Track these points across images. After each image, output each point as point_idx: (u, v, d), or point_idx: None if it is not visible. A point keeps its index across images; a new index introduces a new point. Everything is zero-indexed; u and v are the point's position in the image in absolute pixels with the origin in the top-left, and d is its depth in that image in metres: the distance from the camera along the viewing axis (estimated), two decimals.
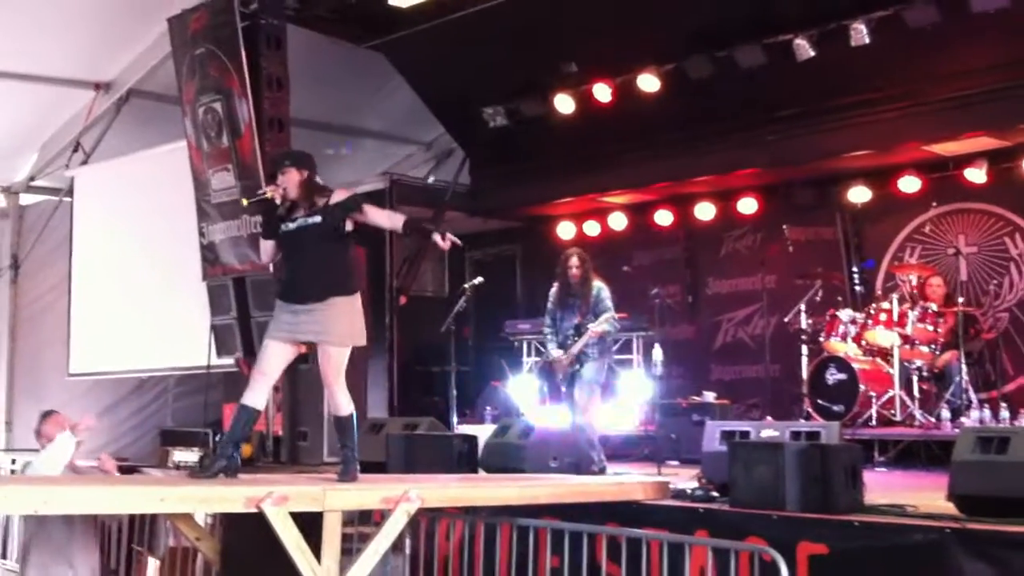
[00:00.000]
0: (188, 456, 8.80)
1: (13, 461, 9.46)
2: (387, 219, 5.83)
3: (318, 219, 5.56)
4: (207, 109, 9.62)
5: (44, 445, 6.41)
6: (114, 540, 7.80)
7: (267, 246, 5.78)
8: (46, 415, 6.68)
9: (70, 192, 12.24)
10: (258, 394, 5.56)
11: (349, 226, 5.62)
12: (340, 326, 5.52)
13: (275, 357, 5.56)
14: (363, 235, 10.42)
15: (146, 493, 4.90)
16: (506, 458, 6.91)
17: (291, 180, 5.59)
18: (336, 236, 5.59)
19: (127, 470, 8.74)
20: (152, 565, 6.53)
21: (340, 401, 5.66)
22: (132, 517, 7.39)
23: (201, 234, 9.80)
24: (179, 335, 10.33)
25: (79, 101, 11.58)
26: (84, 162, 11.97)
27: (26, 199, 13.07)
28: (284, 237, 5.65)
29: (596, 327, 7.43)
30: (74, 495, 4.88)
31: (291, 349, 5.60)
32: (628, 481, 6.38)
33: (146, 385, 11.47)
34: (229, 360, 9.70)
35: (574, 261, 7.67)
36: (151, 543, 7.27)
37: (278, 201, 5.62)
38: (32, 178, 12.75)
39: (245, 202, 6.26)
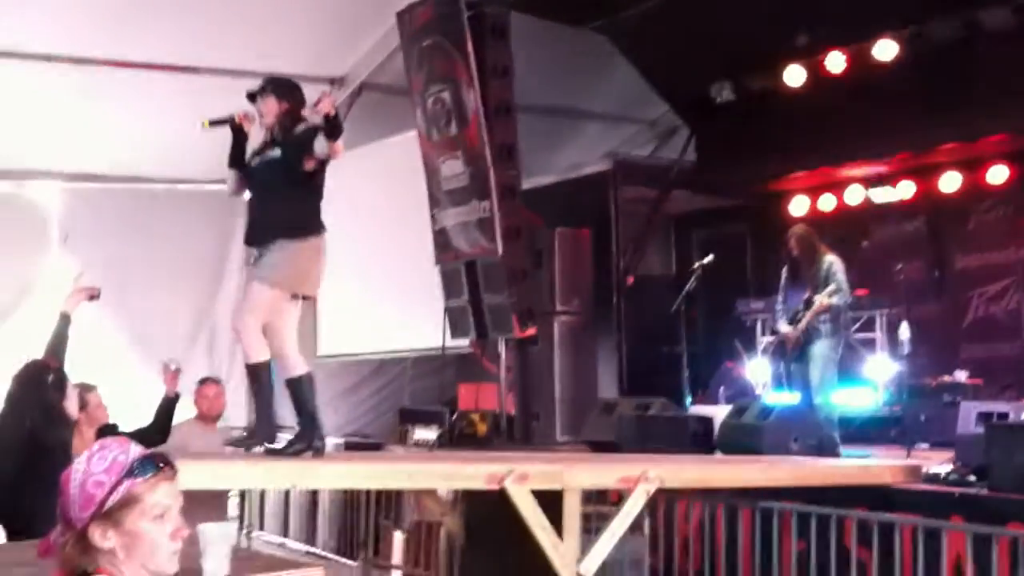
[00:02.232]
0: (427, 434, 9.07)
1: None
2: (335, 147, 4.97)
3: (277, 153, 5.07)
4: (435, 99, 9.84)
5: None
6: (362, 514, 8.15)
7: (229, 176, 5.26)
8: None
9: None
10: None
11: (309, 165, 5.02)
12: (277, 267, 4.99)
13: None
14: (587, 217, 10.56)
15: (395, 470, 5.08)
16: (744, 439, 6.75)
17: (269, 109, 5.09)
18: (294, 174, 5.02)
19: (372, 447, 9.11)
20: (398, 538, 6.76)
21: (246, 346, 5.03)
22: (379, 492, 7.68)
23: (433, 220, 10.05)
24: (415, 318, 10.67)
25: (315, 96, 12.09)
26: None
27: None
28: (251, 173, 5.18)
29: (822, 298, 7.32)
30: (326, 471, 5.13)
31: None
32: (876, 464, 6.12)
33: (385, 366, 11.87)
34: (463, 342, 9.93)
35: (792, 242, 7.72)
36: (397, 517, 7.53)
37: (247, 128, 5.16)
38: None
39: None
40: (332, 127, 4.91)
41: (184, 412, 6.82)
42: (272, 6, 10.16)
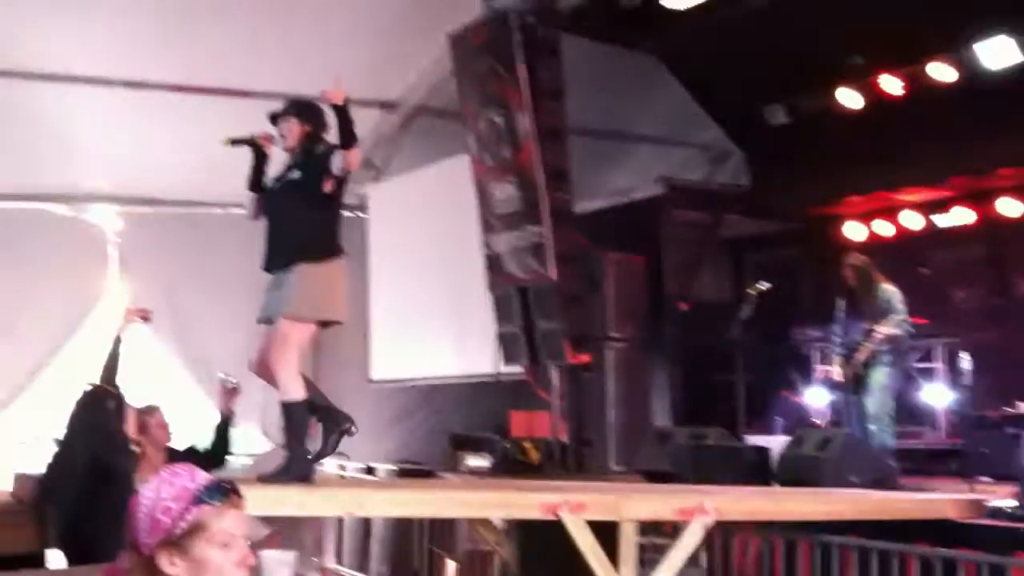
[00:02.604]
0: (479, 461, 9.04)
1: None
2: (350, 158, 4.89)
3: (297, 174, 4.98)
4: (488, 123, 9.83)
5: None
6: (415, 541, 8.12)
7: (248, 199, 5.14)
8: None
9: (363, 207, 12.89)
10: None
11: (328, 185, 4.91)
12: (300, 295, 4.83)
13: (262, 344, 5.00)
14: (638, 242, 10.49)
15: (449, 498, 5.07)
16: (803, 471, 6.64)
17: (291, 131, 5.00)
18: (313, 195, 4.91)
19: (424, 473, 9.09)
20: (451, 567, 6.74)
21: (284, 384, 4.87)
22: (433, 520, 7.64)
23: (485, 245, 10.04)
24: (467, 344, 10.66)
25: (368, 120, 12.15)
26: (375, 178, 12.57)
27: None
28: (270, 196, 5.07)
29: (882, 329, 7.28)
30: (385, 498, 5.14)
31: None
32: (937, 498, 5.99)
33: (437, 392, 11.86)
34: (516, 368, 9.89)
35: (848, 273, 7.70)
36: (450, 545, 7.49)
37: (267, 150, 5.10)
38: None
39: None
40: (346, 133, 4.86)
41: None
42: (325, 30, 10.25)
